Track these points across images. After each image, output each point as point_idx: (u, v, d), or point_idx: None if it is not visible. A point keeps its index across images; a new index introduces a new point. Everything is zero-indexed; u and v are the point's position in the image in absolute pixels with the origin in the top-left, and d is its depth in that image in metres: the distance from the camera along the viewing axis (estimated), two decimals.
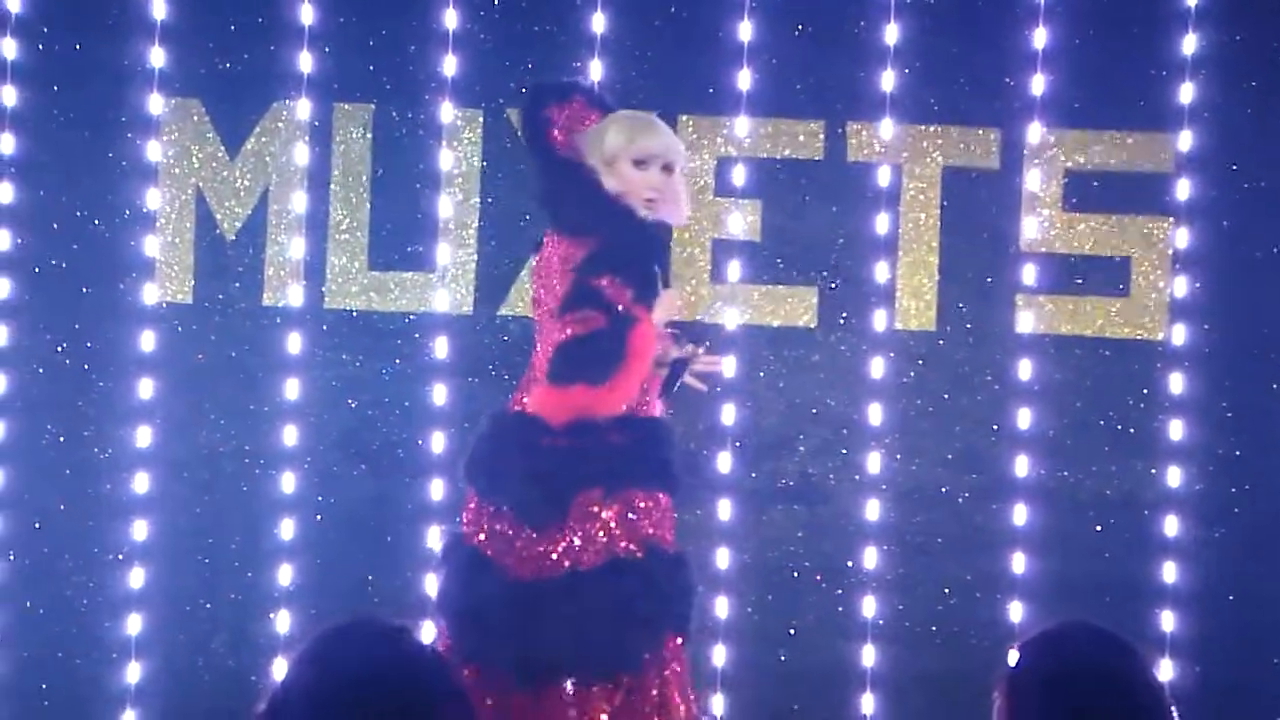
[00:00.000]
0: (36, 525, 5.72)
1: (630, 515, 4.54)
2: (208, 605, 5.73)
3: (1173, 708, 3.03)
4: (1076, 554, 5.62)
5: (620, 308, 4.42)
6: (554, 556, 4.50)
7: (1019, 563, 5.59)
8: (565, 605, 4.47)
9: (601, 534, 4.51)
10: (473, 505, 4.62)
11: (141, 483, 5.69)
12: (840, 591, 5.70)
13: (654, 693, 4.50)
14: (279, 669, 5.45)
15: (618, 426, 4.52)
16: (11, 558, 5.73)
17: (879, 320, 5.70)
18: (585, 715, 4.47)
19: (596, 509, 4.50)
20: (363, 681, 2.71)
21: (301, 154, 5.74)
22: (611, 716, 4.47)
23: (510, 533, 4.54)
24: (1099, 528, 5.67)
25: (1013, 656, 3.17)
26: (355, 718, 2.66)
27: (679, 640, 4.60)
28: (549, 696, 4.49)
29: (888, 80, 5.63)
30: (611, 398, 4.43)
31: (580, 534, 4.51)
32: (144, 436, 5.70)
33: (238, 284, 5.79)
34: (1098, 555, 5.63)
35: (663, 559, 4.57)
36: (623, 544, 4.51)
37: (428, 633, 4.68)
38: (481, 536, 4.56)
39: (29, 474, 5.74)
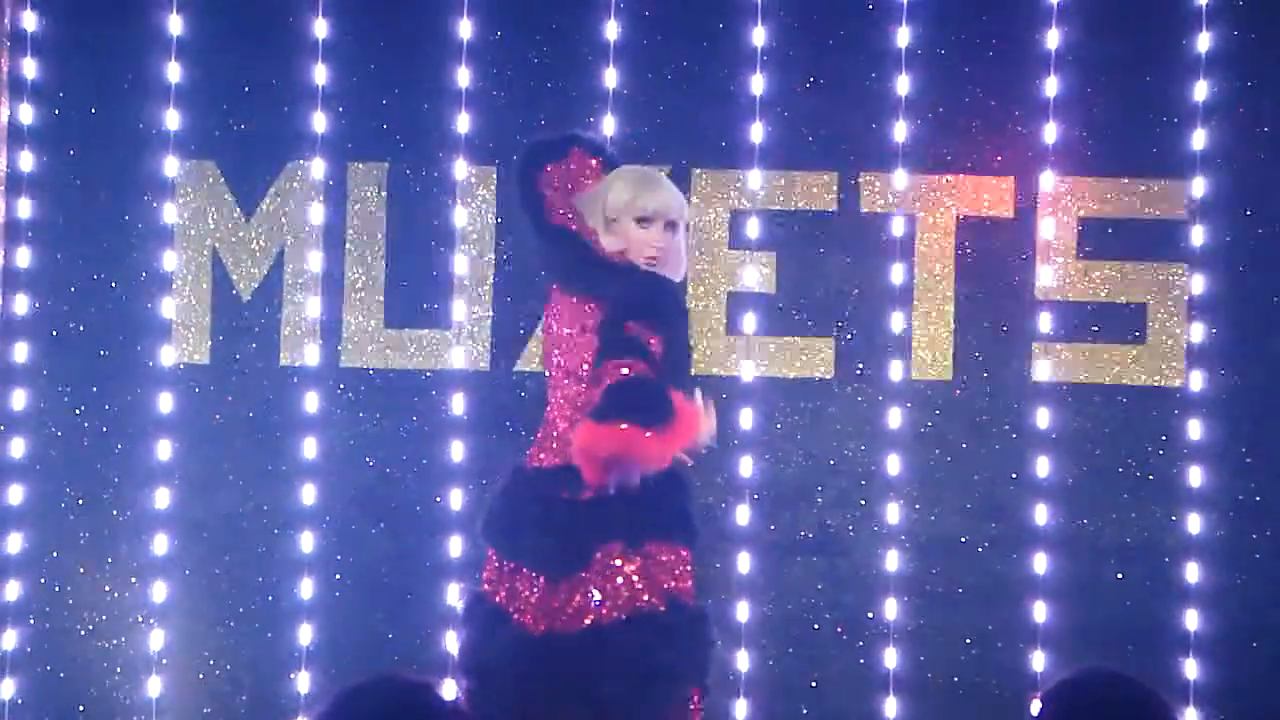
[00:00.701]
0: (55, 589, 5.72)
1: (652, 569, 4.52)
2: (229, 667, 5.72)
3: None
4: (1098, 602, 5.61)
5: (653, 348, 4.42)
6: (571, 611, 4.47)
7: (1040, 611, 5.58)
8: (587, 661, 4.44)
9: (624, 588, 4.49)
10: (493, 563, 4.61)
11: (161, 544, 5.71)
12: (861, 643, 5.68)
13: None
14: None
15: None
16: (31, 622, 5.72)
17: (895, 371, 5.69)
18: None
19: (619, 562, 4.49)
20: None
21: (317, 213, 5.77)
22: None
23: (530, 589, 4.52)
24: (1120, 575, 5.67)
25: (1035, 706, 3.20)
26: None
27: (697, 695, 4.55)
28: None
29: (900, 131, 5.64)
30: (653, 446, 4.39)
31: (601, 588, 4.48)
32: (163, 498, 5.72)
33: (254, 344, 5.80)
34: (1119, 603, 5.62)
35: (684, 612, 4.54)
36: (644, 597, 4.50)
37: (449, 690, 4.69)
38: (502, 594, 4.55)
39: (48, 537, 5.76)
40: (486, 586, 4.60)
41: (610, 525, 4.48)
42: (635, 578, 4.49)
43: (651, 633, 4.48)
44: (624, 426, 4.34)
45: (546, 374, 4.66)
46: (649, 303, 4.51)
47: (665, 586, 4.52)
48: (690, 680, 4.55)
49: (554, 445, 4.61)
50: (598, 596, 4.47)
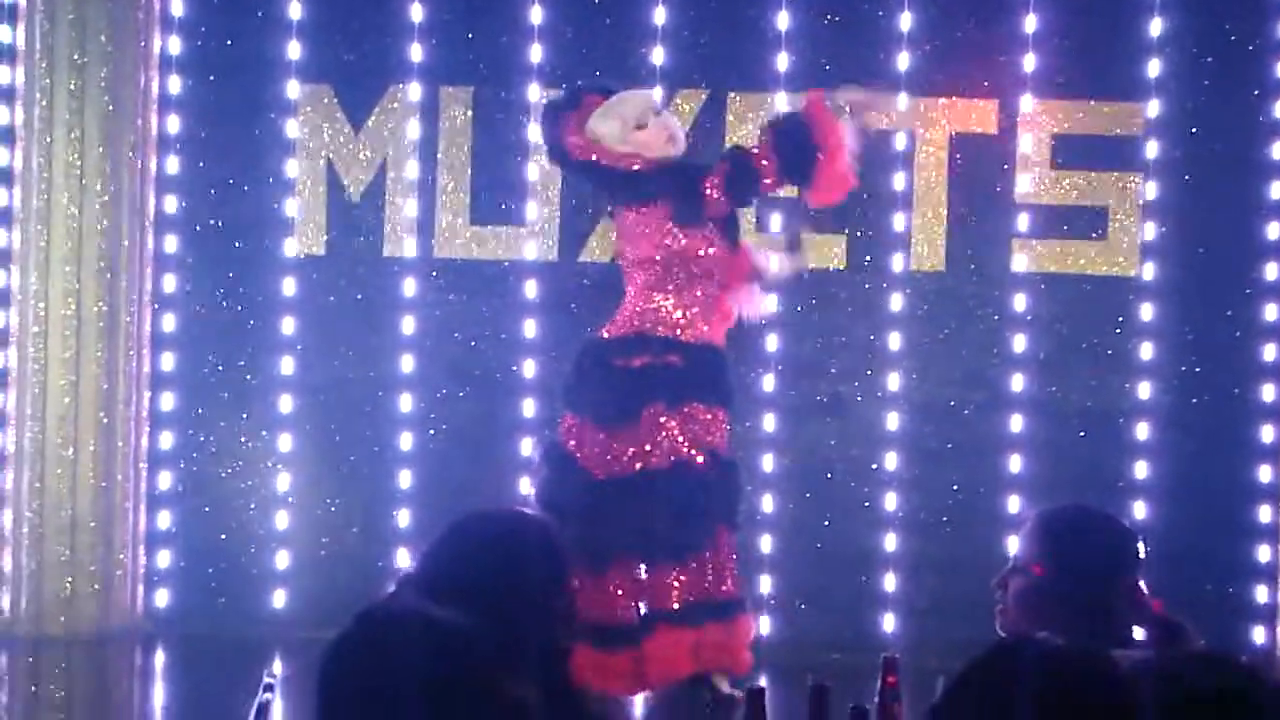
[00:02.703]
0: (200, 438, 6.12)
1: (692, 425, 4.87)
2: (342, 504, 6.09)
3: (1137, 569, 3.26)
4: (1064, 456, 5.95)
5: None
6: (626, 458, 4.87)
7: (1015, 464, 5.97)
8: (637, 500, 4.82)
9: (666, 440, 4.85)
10: (569, 418, 5.01)
11: (286, 404, 6.10)
12: (867, 489, 6.04)
13: (709, 573, 4.88)
14: (402, 556, 5.87)
15: (676, 349, 4.88)
16: (181, 465, 6.13)
17: (897, 263, 6.05)
18: (659, 590, 4.87)
19: (663, 419, 4.87)
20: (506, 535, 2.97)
21: (414, 129, 6.07)
22: (681, 590, 4.84)
23: (593, 440, 4.91)
24: (1082, 434, 6.03)
25: (1013, 542, 3.55)
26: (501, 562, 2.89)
27: (730, 532, 4.97)
28: (628, 573, 4.88)
29: (903, 60, 5.99)
30: (837, 153, 4.86)
31: (649, 440, 4.87)
32: (287, 365, 6.09)
33: (362, 238, 6.12)
34: (1083, 457, 5.97)
35: (718, 461, 4.91)
36: (684, 449, 4.85)
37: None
38: (572, 443, 4.97)
39: (195, 396, 6.12)
40: (563, 436, 4.99)
41: (655, 388, 4.86)
42: (676, 432, 4.86)
43: (690, 478, 4.83)
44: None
45: (624, 270, 5.02)
46: (691, 177, 4.83)
47: (703, 439, 4.88)
48: (721, 518, 4.91)
49: (621, 321, 4.98)
50: (648, 446, 4.85)
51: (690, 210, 4.88)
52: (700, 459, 4.86)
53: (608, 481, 4.87)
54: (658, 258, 4.92)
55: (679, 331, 4.92)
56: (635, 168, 4.92)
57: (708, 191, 4.86)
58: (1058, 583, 3.20)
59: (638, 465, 4.85)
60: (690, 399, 4.87)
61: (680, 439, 4.85)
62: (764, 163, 4.88)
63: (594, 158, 4.98)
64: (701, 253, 4.90)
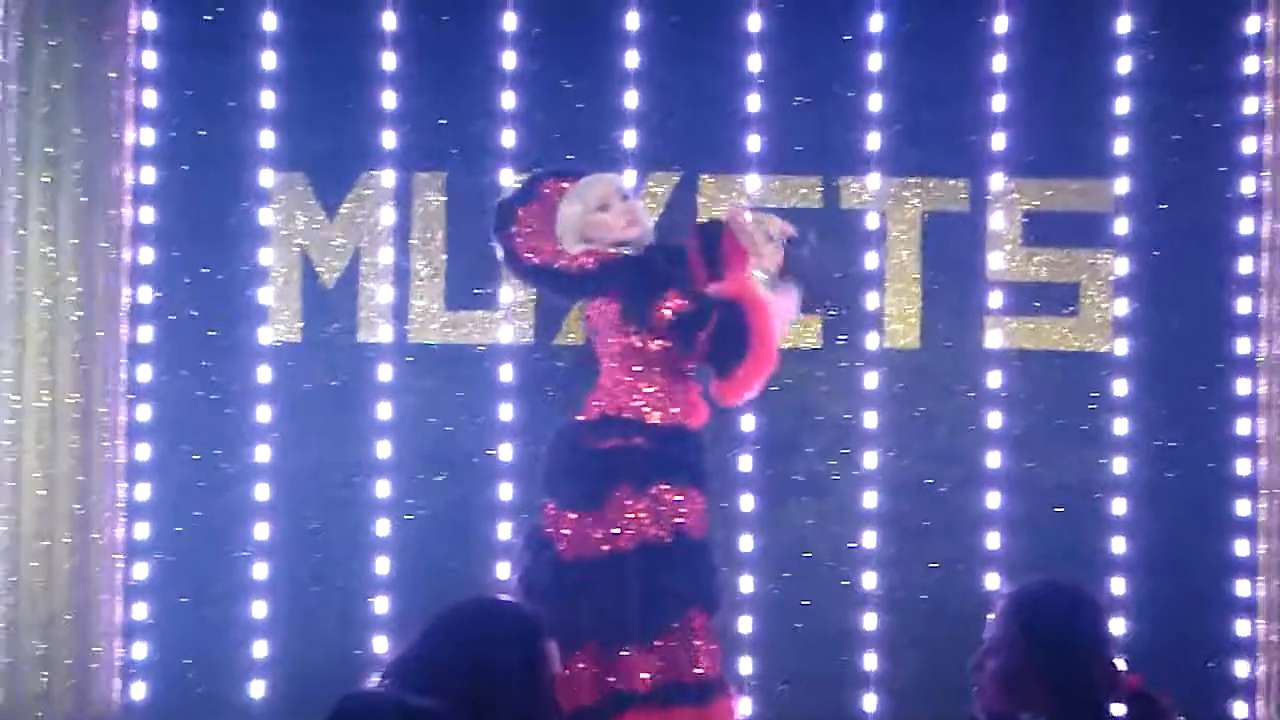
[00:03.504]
0: (177, 529, 5.96)
1: (659, 506, 4.76)
2: (320, 592, 5.92)
3: (1110, 648, 3.27)
4: (1040, 532, 5.83)
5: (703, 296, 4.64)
6: (595, 540, 4.76)
7: (993, 540, 5.83)
8: (605, 583, 4.71)
9: (633, 523, 4.76)
10: (550, 506, 4.89)
11: (262, 492, 5.91)
12: (845, 568, 5.90)
13: (681, 654, 4.74)
14: (380, 644, 5.76)
15: (642, 431, 4.77)
16: (158, 556, 5.95)
17: (872, 341, 5.92)
18: (627, 672, 4.72)
19: (630, 501, 4.75)
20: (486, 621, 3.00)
21: (388, 215, 5.94)
22: (650, 672, 4.72)
23: (569, 523, 4.80)
24: (1059, 509, 5.91)
25: (990, 618, 3.42)
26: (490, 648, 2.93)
27: (707, 615, 4.82)
28: (598, 656, 4.74)
29: (874, 140, 5.88)
30: (763, 363, 4.65)
31: (617, 522, 4.76)
32: (263, 453, 5.92)
33: (337, 325, 5.99)
34: (1058, 533, 5.84)
35: (686, 543, 4.78)
36: (651, 531, 4.75)
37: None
38: (551, 529, 4.85)
39: (170, 488, 5.95)
40: (544, 522, 4.87)
41: (621, 470, 4.75)
42: (643, 513, 4.75)
43: (656, 559, 4.70)
44: (734, 372, 4.61)
45: (596, 350, 4.86)
46: (647, 272, 4.69)
47: (670, 521, 4.77)
48: (692, 601, 4.77)
49: (594, 405, 4.85)
50: (615, 530, 4.75)
51: (639, 315, 4.78)
52: (667, 540, 4.78)
53: (577, 564, 4.79)
54: (613, 347, 4.87)
55: (645, 414, 4.83)
56: (588, 267, 4.82)
57: (658, 312, 4.74)
58: (1033, 662, 3.20)
59: (605, 548, 4.77)
60: (657, 480, 4.78)
61: (646, 520, 4.77)
62: (702, 337, 4.73)
63: (545, 262, 4.90)
64: (656, 346, 4.82)
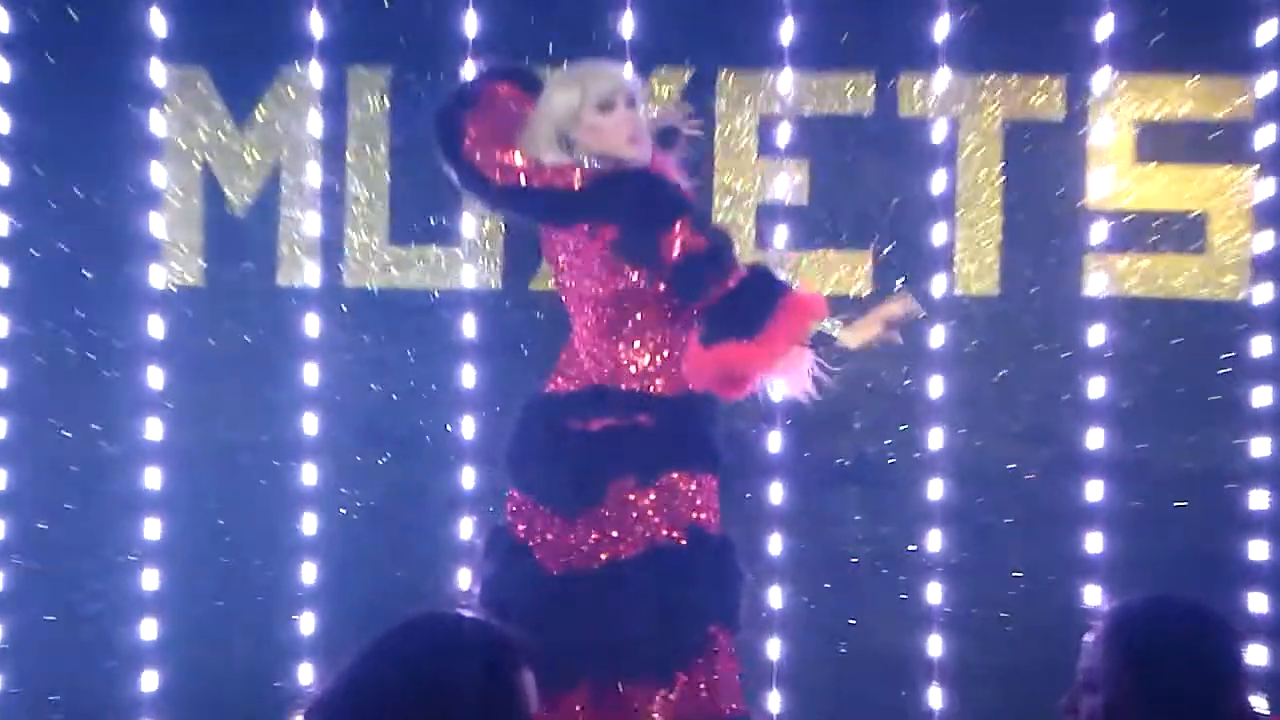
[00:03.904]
0: (42, 526, 5.69)
1: (671, 500, 4.50)
2: (227, 607, 5.67)
3: (1245, 683, 3.04)
4: (1156, 533, 5.58)
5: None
6: (588, 548, 4.50)
7: (1094, 543, 5.56)
8: (604, 600, 4.46)
9: (639, 523, 4.50)
10: (515, 495, 4.63)
11: (153, 478, 5.68)
12: (903, 578, 5.69)
13: (702, 690, 4.48)
14: (305, 672, 5.53)
15: (646, 406, 4.52)
16: (17, 562, 5.72)
17: (938, 286, 5.67)
18: (640, 714, 4.46)
19: (633, 497, 4.49)
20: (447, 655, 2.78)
21: (314, 123, 5.71)
22: (669, 714, 4.47)
23: (547, 525, 4.54)
24: (1179, 504, 5.62)
25: (1088, 637, 3.13)
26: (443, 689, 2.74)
27: (728, 634, 4.57)
28: (597, 695, 4.50)
29: (941, 27, 5.55)
30: (760, 353, 4.45)
31: (617, 524, 4.50)
32: (154, 429, 5.69)
33: (250, 264, 5.77)
34: (1179, 533, 5.59)
35: (707, 545, 4.54)
36: (663, 532, 4.49)
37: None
38: (522, 528, 4.56)
39: (34, 473, 5.74)
40: (509, 518, 4.60)
41: (623, 456, 4.50)
42: (651, 511, 4.49)
43: (671, 568, 4.49)
44: (724, 345, 4.40)
45: (567, 306, 4.65)
46: (663, 200, 4.46)
47: (687, 518, 4.52)
48: (714, 617, 4.54)
49: (572, 371, 4.61)
50: (615, 533, 4.47)
51: (643, 250, 4.51)
52: (683, 542, 4.51)
53: (566, 578, 4.52)
54: (601, 293, 4.57)
55: (647, 383, 4.57)
56: (577, 186, 4.54)
57: (665, 249, 4.44)
58: (1141, 700, 3.03)
59: (603, 556, 4.51)
60: (667, 468, 4.52)
61: (656, 519, 4.51)
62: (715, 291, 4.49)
63: (515, 181, 4.59)
64: (660, 290, 4.53)
